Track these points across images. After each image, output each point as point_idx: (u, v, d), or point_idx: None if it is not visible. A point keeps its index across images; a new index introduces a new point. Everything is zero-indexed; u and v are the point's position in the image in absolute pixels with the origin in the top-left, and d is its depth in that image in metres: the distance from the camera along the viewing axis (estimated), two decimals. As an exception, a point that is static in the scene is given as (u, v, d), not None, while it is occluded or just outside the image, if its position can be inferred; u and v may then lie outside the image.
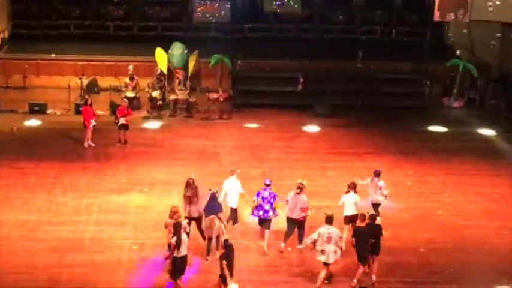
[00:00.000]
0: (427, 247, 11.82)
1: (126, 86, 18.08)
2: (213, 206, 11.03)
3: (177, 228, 10.03)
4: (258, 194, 11.48)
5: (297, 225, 11.37)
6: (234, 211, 11.90)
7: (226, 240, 10.00)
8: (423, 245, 11.88)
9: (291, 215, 11.34)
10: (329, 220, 10.48)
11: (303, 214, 11.30)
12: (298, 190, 11.29)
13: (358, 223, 10.71)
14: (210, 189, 11.20)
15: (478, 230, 12.51)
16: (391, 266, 11.25)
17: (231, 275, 9.92)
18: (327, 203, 13.21)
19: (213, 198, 11.12)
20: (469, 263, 11.47)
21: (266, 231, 11.41)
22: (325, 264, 10.42)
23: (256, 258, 11.38)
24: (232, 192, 11.76)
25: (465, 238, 12.21)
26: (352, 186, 11.54)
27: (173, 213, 10.51)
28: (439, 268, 11.29)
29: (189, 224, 10.87)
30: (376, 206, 11.89)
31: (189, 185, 11.40)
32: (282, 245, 11.43)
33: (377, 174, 11.91)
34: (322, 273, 10.43)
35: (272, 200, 11.41)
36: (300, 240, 11.39)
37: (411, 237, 12.10)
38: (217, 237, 10.82)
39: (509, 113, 18.36)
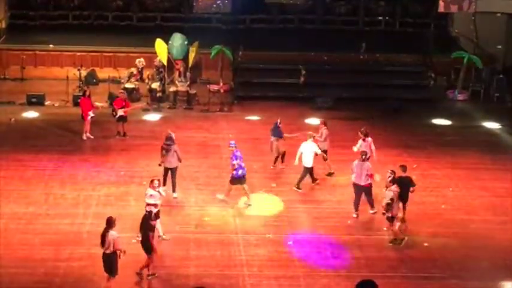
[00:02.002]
0: (430, 242, 11.68)
1: (131, 76, 17.90)
2: (276, 131, 13.86)
3: (106, 224, 9.71)
4: (235, 157, 12.34)
5: (364, 192, 12.19)
6: (306, 170, 13.12)
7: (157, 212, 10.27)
8: (427, 239, 11.74)
9: (358, 181, 12.15)
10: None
11: (369, 181, 12.04)
12: (363, 157, 12.12)
13: (400, 173, 11.74)
14: (277, 120, 14.01)
15: (482, 224, 12.38)
16: (394, 261, 11.15)
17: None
18: (328, 197, 13.09)
19: (276, 125, 13.89)
20: (473, 258, 11.35)
21: (245, 185, 12.40)
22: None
23: (256, 252, 11.26)
24: (307, 152, 12.98)
25: (469, 233, 12.08)
26: (366, 133, 13.17)
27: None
28: (443, 263, 11.18)
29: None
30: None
31: (167, 138, 12.65)
32: (354, 215, 12.25)
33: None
34: (397, 225, 11.37)
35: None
36: (372, 205, 12.27)
37: (415, 232, 11.95)
38: (279, 155, 13.74)
39: (514, 105, 18.19)
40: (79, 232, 11.58)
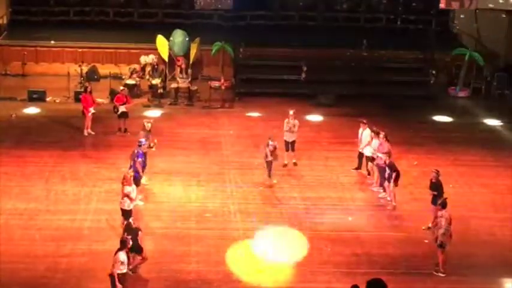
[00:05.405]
0: (431, 238, 11.65)
1: (133, 72, 17.90)
2: None
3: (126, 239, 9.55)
4: (143, 156, 12.33)
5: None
6: (361, 156, 13.82)
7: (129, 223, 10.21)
8: (427, 236, 11.72)
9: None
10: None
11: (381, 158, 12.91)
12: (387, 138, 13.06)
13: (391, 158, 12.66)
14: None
15: (483, 221, 12.39)
16: (395, 257, 11.17)
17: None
18: (329, 194, 13.12)
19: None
20: (473, 255, 11.36)
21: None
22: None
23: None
24: (364, 141, 13.51)
25: (470, 230, 12.08)
26: (377, 132, 13.42)
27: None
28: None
29: None
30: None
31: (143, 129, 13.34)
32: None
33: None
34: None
35: None
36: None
37: (415, 229, 11.97)
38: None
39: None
40: (80, 228, 11.62)
